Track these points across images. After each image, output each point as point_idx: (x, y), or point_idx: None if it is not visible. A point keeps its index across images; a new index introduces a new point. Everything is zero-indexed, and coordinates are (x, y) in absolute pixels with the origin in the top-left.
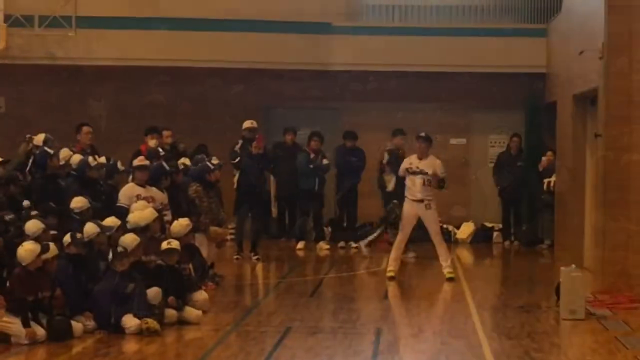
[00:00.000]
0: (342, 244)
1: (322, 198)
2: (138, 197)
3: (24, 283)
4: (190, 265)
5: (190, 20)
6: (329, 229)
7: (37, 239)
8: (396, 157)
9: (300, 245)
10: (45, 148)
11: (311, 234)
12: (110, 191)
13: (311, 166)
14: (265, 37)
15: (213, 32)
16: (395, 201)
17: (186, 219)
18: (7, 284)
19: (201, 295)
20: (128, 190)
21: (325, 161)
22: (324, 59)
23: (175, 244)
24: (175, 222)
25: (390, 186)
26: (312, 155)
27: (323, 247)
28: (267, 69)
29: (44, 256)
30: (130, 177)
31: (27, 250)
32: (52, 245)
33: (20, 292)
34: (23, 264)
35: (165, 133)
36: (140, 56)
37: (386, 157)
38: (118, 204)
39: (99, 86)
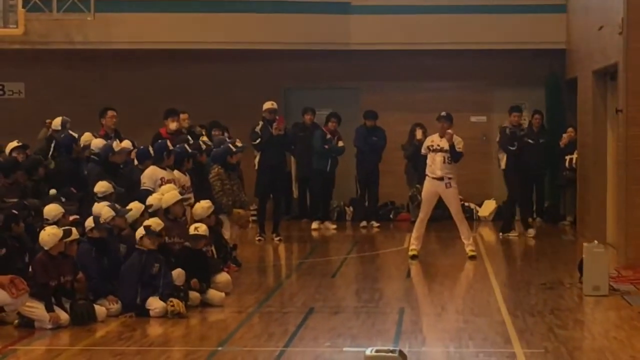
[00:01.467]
0: (364, 223)
1: (334, 179)
2: (162, 180)
3: (46, 268)
4: (213, 247)
5: (208, 2)
6: (351, 208)
7: (56, 223)
8: (512, 134)
9: (315, 225)
10: (70, 132)
11: (333, 214)
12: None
13: (326, 146)
14: (284, 17)
15: (231, 13)
16: (417, 185)
17: (208, 201)
18: (30, 269)
19: (223, 277)
20: (152, 173)
21: (340, 143)
22: (343, 39)
23: (203, 229)
24: (197, 204)
25: (502, 164)
26: (328, 136)
27: (329, 227)
28: (287, 49)
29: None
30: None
31: (50, 234)
32: (72, 229)
33: (43, 276)
34: (45, 248)
35: (183, 116)
36: (158, 39)
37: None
38: (143, 187)
39: (117, 70)
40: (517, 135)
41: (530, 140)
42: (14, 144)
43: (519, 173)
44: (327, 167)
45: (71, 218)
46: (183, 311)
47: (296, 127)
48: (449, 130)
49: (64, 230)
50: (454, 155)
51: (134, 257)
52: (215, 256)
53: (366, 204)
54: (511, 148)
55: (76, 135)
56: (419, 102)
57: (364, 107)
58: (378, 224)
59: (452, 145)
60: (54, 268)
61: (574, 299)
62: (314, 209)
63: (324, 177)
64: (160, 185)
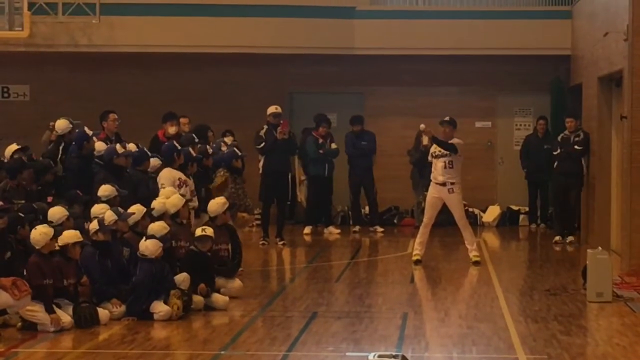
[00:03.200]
0: (355, 228)
1: (332, 183)
2: (180, 181)
3: (40, 268)
4: (229, 246)
5: (213, 6)
6: (350, 213)
7: (60, 226)
8: (563, 139)
9: (307, 230)
10: (86, 128)
11: (337, 218)
12: (141, 178)
13: (321, 151)
14: (289, 21)
15: (236, 17)
16: (426, 192)
17: (222, 197)
18: (25, 272)
19: (236, 282)
20: (169, 175)
21: (333, 145)
22: (348, 43)
23: (209, 231)
24: (212, 201)
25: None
26: (320, 140)
27: (333, 231)
28: (292, 54)
29: (65, 242)
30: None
31: (40, 233)
32: (73, 231)
33: (37, 278)
34: (37, 247)
35: (183, 120)
36: (162, 42)
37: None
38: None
39: (122, 73)
40: (570, 141)
41: (577, 147)
42: (14, 147)
43: (560, 178)
44: (325, 172)
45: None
46: (177, 313)
47: (305, 133)
48: (422, 126)
49: (54, 230)
50: (444, 147)
51: (144, 268)
52: (231, 257)
53: (363, 209)
54: (554, 153)
55: (90, 133)
56: (423, 107)
57: (368, 112)
58: (382, 229)
59: (434, 138)
60: (48, 268)
61: (578, 306)
62: (309, 214)
63: (323, 182)
64: (179, 186)
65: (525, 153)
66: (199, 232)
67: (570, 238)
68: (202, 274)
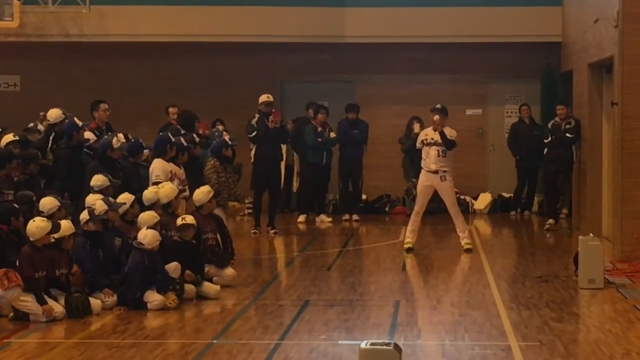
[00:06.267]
0: (346, 216)
1: (329, 171)
2: (171, 173)
3: (32, 260)
4: (218, 236)
5: None
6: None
7: (51, 216)
8: (554, 127)
9: (302, 218)
10: (75, 119)
11: (329, 207)
12: (133, 169)
13: (320, 139)
14: (280, 10)
15: (227, 6)
16: (413, 179)
17: (207, 186)
18: (17, 263)
19: (229, 270)
20: (162, 167)
21: (332, 134)
22: (338, 32)
23: (189, 219)
24: (197, 190)
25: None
26: (319, 129)
27: (325, 220)
28: (282, 42)
29: (61, 234)
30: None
31: (38, 227)
32: (67, 223)
33: (29, 270)
34: (32, 239)
35: (172, 110)
36: (153, 32)
37: None
38: (155, 180)
39: (113, 62)
40: (561, 129)
41: (568, 135)
42: (10, 137)
43: (550, 165)
44: (324, 160)
45: None
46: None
47: (299, 122)
48: (436, 117)
49: (52, 224)
50: (445, 143)
51: (137, 258)
52: (221, 246)
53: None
54: (545, 140)
55: (80, 124)
56: (415, 95)
57: (359, 100)
58: (358, 218)
59: (442, 133)
60: (40, 260)
61: (570, 292)
62: (304, 202)
63: (321, 170)
64: (171, 178)
65: (514, 141)
66: (179, 221)
67: (550, 221)
68: (189, 263)
